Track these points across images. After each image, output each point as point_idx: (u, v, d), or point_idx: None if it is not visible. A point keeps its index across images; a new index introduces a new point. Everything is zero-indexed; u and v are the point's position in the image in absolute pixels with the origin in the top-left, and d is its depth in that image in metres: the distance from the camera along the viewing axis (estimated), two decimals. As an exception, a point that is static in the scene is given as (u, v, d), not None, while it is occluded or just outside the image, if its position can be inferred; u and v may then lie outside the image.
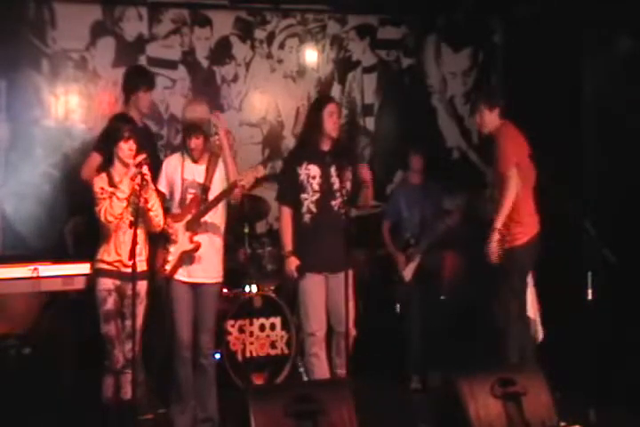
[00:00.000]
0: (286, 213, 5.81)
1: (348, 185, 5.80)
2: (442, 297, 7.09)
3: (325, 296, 5.74)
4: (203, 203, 5.51)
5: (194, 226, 5.51)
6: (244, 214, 6.93)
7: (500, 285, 6.01)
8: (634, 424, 5.62)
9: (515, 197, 5.93)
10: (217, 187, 5.53)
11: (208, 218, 5.53)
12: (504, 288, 6.01)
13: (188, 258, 5.52)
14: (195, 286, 5.56)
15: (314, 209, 5.74)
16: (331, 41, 8.00)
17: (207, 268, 5.56)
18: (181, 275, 5.55)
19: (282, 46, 7.86)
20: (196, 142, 5.51)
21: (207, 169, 5.55)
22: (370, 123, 8.19)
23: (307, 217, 5.76)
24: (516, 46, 7.91)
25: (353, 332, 5.73)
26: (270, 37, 7.81)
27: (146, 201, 5.29)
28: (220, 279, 5.66)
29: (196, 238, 5.51)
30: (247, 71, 7.76)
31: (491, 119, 6.14)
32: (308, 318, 5.74)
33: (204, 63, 7.63)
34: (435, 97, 8.35)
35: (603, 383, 5.52)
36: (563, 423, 4.82)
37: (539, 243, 6.06)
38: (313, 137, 5.79)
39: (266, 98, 7.85)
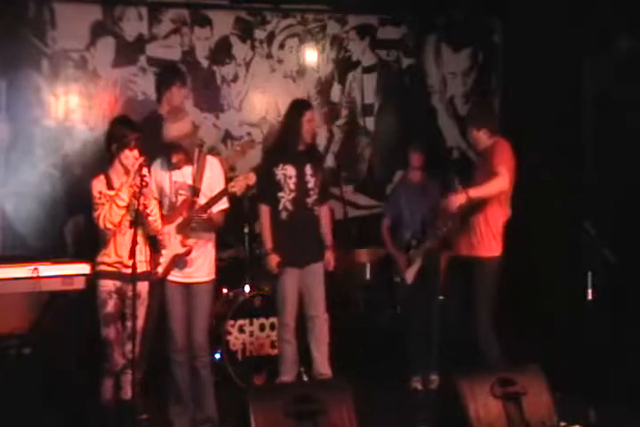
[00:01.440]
0: (265, 211, 6.20)
1: (319, 184, 6.24)
2: (440, 297, 7.06)
3: (299, 287, 6.15)
4: (193, 205, 5.49)
5: (185, 229, 5.49)
6: (244, 214, 6.93)
7: (479, 295, 6.05)
8: (634, 424, 5.62)
9: (497, 204, 5.96)
10: (207, 188, 5.51)
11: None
12: (484, 298, 6.04)
13: (180, 261, 5.51)
14: (188, 286, 5.55)
15: (290, 207, 6.14)
16: (331, 41, 8.00)
17: (199, 269, 5.55)
18: (174, 275, 5.53)
19: (282, 46, 7.85)
20: (177, 157, 5.49)
21: (195, 170, 5.52)
22: (370, 123, 8.19)
23: (283, 214, 6.15)
24: (516, 46, 7.91)
25: (325, 316, 6.24)
26: (270, 37, 7.81)
27: (145, 206, 5.28)
28: (212, 276, 5.63)
29: (187, 242, 5.50)
30: (247, 71, 7.76)
31: (479, 137, 6.13)
32: (283, 311, 6.16)
33: (204, 63, 7.63)
34: (435, 97, 8.35)
35: (603, 383, 5.53)
36: (563, 423, 4.81)
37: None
38: (290, 140, 6.21)
39: (266, 98, 7.84)
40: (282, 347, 6.21)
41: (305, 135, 6.15)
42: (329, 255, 6.27)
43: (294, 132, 6.16)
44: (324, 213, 6.30)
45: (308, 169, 6.18)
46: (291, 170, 6.14)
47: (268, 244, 6.15)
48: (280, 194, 6.13)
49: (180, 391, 5.55)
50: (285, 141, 6.23)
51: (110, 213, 5.26)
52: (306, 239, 6.13)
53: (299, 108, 6.30)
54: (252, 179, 5.50)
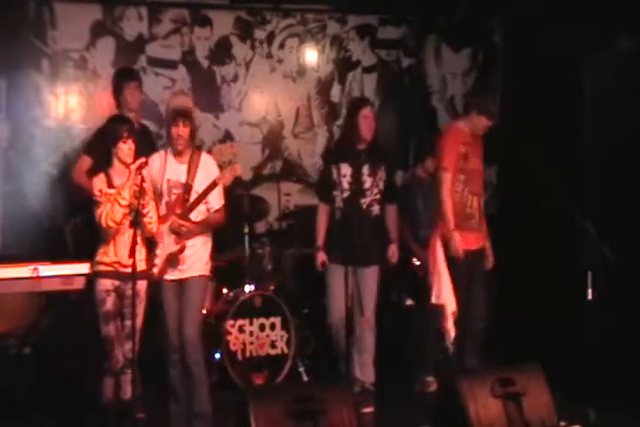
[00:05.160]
0: (322, 209, 6.26)
1: (381, 184, 6.19)
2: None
3: (351, 288, 6.00)
4: (186, 203, 5.49)
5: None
6: (244, 214, 6.92)
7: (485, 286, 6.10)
8: (634, 424, 5.62)
9: None
10: (199, 185, 5.48)
11: (193, 218, 5.50)
12: (487, 288, 6.16)
13: (174, 259, 5.49)
14: (181, 282, 5.51)
15: (343, 206, 6.14)
16: (331, 41, 8.00)
17: (193, 265, 5.52)
18: (170, 274, 5.51)
19: (282, 46, 7.86)
20: (183, 131, 5.44)
21: (189, 168, 5.51)
22: (370, 123, 8.17)
23: (337, 213, 6.19)
24: (516, 46, 7.91)
25: (372, 321, 6.18)
26: (270, 37, 7.81)
27: (143, 206, 5.27)
28: (206, 273, 5.60)
29: (180, 239, 5.48)
30: (247, 71, 7.76)
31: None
32: (328, 309, 6.21)
33: (204, 63, 7.63)
34: (435, 97, 8.35)
35: (603, 383, 5.52)
36: (563, 423, 4.81)
37: None
38: (348, 138, 6.20)
39: (266, 98, 7.85)
40: (337, 348, 6.19)
41: (363, 132, 6.13)
42: (393, 249, 6.24)
43: (351, 130, 6.16)
44: (390, 211, 6.27)
45: (366, 169, 6.15)
46: (346, 169, 6.14)
47: (318, 241, 6.20)
48: (335, 193, 6.15)
49: (176, 391, 5.54)
50: (343, 140, 6.29)
51: (112, 212, 5.25)
52: (359, 241, 5.99)
53: (355, 105, 6.36)
54: (238, 170, 5.47)
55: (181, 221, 5.43)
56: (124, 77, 6.39)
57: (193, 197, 5.46)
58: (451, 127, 6.44)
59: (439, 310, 6.09)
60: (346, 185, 6.13)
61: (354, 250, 5.97)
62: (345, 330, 6.05)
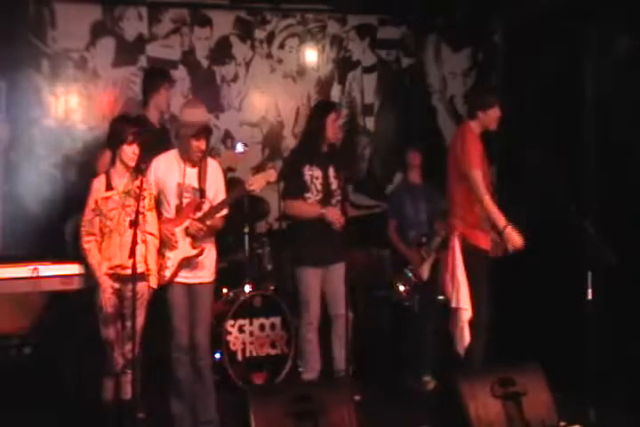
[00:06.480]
0: (300, 201, 6.13)
1: (340, 187, 6.20)
2: (440, 297, 7.04)
3: (322, 287, 6.17)
4: (200, 207, 5.47)
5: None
6: (244, 214, 6.93)
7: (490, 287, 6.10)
8: (634, 424, 5.62)
9: None
10: (211, 189, 5.49)
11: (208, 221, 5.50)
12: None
13: (187, 263, 5.47)
14: (191, 286, 5.52)
15: None
16: (331, 41, 8.01)
17: (205, 269, 5.54)
18: (180, 276, 5.52)
19: (282, 46, 7.87)
20: (205, 145, 5.46)
21: (199, 172, 5.50)
22: (370, 123, 8.19)
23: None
24: (516, 46, 7.91)
25: (349, 315, 6.04)
26: (270, 37, 7.82)
27: (143, 215, 5.26)
28: (213, 277, 5.62)
29: (197, 243, 5.47)
30: (247, 71, 7.77)
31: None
32: (306, 310, 6.19)
33: (204, 63, 7.64)
34: (435, 97, 8.36)
35: (603, 383, 5.52)
36: (563, 423, 4.81)
37: None
38: (315, 141, 6.20)
39: (266, 98, 7.85)
40: (305, 346, 6.22)
41: (330, 136, 6.17)
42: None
43: (319, 134, 6.18)
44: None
45: (331, 171, 6.20)
46: (317, 171, 6.17)
47: (316, 206, 6.09)
48: (307, 195, 6.15)
49: (182, 390, 5.54)
50: (311, 143, 6.25)
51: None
52: (329, 240, 6.06)
53: (323, 109, 6.35)
54: (273, 176, 5.48)
55: (200, 225, 5.43)
56: (162, 78, 6.41)
57: (206, 202, 5.46)
58: (465, 129, 6.17)
59: (456, 314, 6.03)
60: (319, 187, 6.16)
61: (326, 249, 6.05)
62: (319, 328, 6.16)
